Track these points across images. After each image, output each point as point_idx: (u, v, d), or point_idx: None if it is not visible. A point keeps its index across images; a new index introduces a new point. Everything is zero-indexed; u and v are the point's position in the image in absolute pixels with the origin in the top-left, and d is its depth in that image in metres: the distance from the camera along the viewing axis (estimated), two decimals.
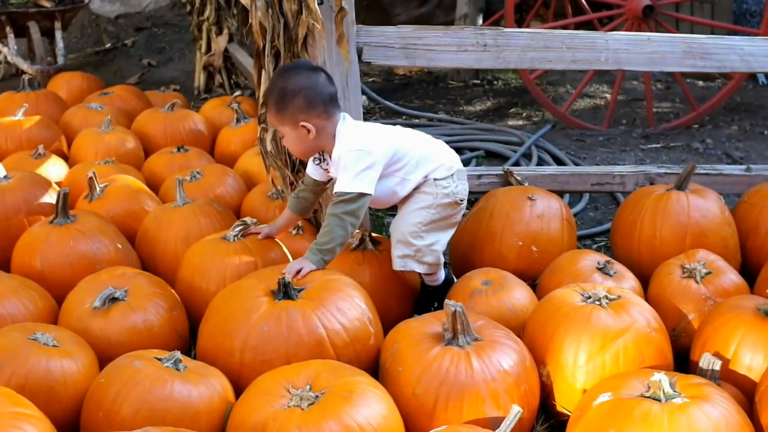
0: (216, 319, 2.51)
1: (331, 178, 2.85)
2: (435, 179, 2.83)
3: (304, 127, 2.67)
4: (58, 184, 3.74)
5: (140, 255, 3.22)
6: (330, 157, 2.76)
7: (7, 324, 2.54)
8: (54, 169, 3.96)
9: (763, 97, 5.98)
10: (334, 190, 2.70)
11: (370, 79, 6.56)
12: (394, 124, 5.21)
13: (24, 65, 6.02)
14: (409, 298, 3.01)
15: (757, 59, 3.51)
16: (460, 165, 2.93)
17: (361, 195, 2.65)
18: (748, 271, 3.09)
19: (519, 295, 2.80)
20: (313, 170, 2.88)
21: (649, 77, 5.40)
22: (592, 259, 2.91)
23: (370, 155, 2.68)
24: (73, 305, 2.67)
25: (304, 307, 2.43)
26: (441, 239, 2.87)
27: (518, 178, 3.52)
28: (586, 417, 2.09)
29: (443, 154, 2.90)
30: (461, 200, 2.89)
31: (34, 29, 6.12)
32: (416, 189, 2.85)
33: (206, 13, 6.03)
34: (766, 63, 3.54)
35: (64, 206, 3.05)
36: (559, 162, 4.57)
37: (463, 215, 3.04)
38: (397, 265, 2.84)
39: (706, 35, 3.79)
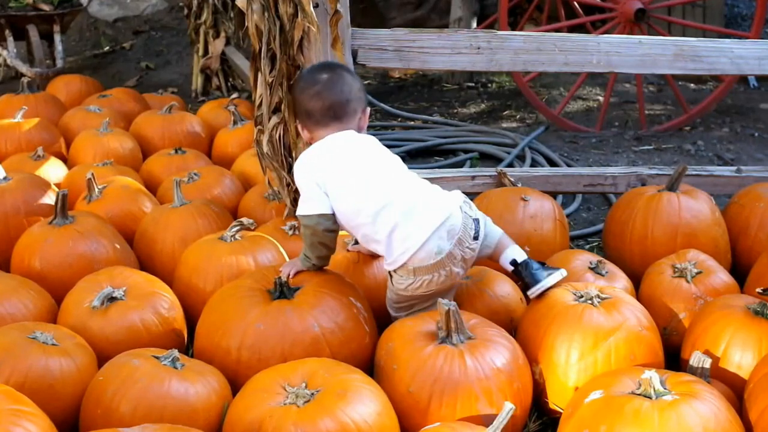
0: (213, 318, 2.53)
1: None
2: (390, 272, 2.57)
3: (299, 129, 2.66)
4: (57, 185, 3.76)
5: (138, 255, 3.24)
6: None
7: (6, 323, 2.55)
8: (53, 171, 3.98)
9: (754, 99, 6.00)
10: None
11: (366, 82, 6.57)
12: (391, 127, 5.33)
13: (23, 68, 6.03)
14: None
15: (747, 62, 3.52)
16: (432, 256, 2.46)
17: (319, 216, 2.50)
18: (739, 271, 3.10)
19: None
20: None
21: (641, 80, 5.41)
22: (584, 258, 2.92)
23: (305, 183, 2.53)
24: (72, 305, 2.68)
25: (300, 306, 2.45)
26: (426, 306, 2.60)
27: (511, 179, 3.53)
28: (577, 414, 2.10)
29: (408, 239, 2.44)
30: (426, 294, 2.54)
31: (33, 32, 6.13)
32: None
33: (203, 17, 6.04)
34: (756, 66, 3.55)
35: (63, 207, 3.07)
36: (552, 163, 4.58)
37: None
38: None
39: (697, 38, 3.82)
